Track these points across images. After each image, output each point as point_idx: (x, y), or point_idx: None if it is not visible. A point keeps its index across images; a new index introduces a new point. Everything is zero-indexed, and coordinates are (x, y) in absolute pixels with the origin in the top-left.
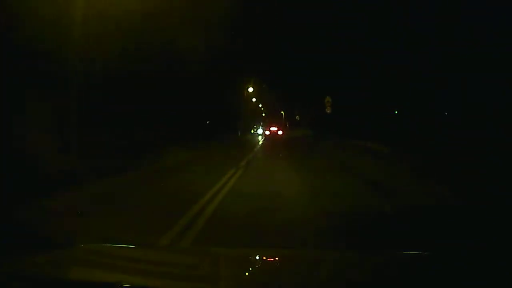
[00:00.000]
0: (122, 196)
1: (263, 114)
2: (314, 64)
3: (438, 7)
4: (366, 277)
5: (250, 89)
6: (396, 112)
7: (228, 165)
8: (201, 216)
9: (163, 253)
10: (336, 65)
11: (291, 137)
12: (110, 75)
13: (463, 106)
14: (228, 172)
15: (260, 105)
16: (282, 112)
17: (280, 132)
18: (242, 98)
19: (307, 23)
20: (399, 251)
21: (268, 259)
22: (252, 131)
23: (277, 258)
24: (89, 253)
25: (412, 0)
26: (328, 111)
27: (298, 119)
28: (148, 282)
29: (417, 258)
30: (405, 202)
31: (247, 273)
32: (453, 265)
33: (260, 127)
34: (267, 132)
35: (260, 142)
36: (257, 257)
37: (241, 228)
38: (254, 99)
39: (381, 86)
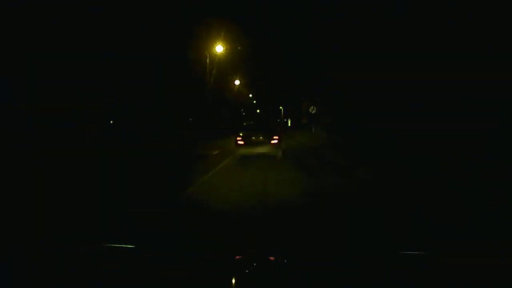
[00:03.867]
0: None
1: (258, 111)
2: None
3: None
4: (366, 277)
5: (219, 49)
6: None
7: None
8: None
9: (161, 254)
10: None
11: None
12: None
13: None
14: None
15: (251, 95)
16: (280, 107)
17: (274, 141)
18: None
19: None
20: (399, 251)
21: (266, 262)
22: None
23: (274, 261)
24: (89, 253)
25: None
26: None
27: (313, 112)
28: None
29: (417, 258)
30: None
31: (247, 275)
32: (453, 265)
33: None
34: (241, 142)
35: None
36: (256, 260)
37: None
38: (237, 82)
39: None
